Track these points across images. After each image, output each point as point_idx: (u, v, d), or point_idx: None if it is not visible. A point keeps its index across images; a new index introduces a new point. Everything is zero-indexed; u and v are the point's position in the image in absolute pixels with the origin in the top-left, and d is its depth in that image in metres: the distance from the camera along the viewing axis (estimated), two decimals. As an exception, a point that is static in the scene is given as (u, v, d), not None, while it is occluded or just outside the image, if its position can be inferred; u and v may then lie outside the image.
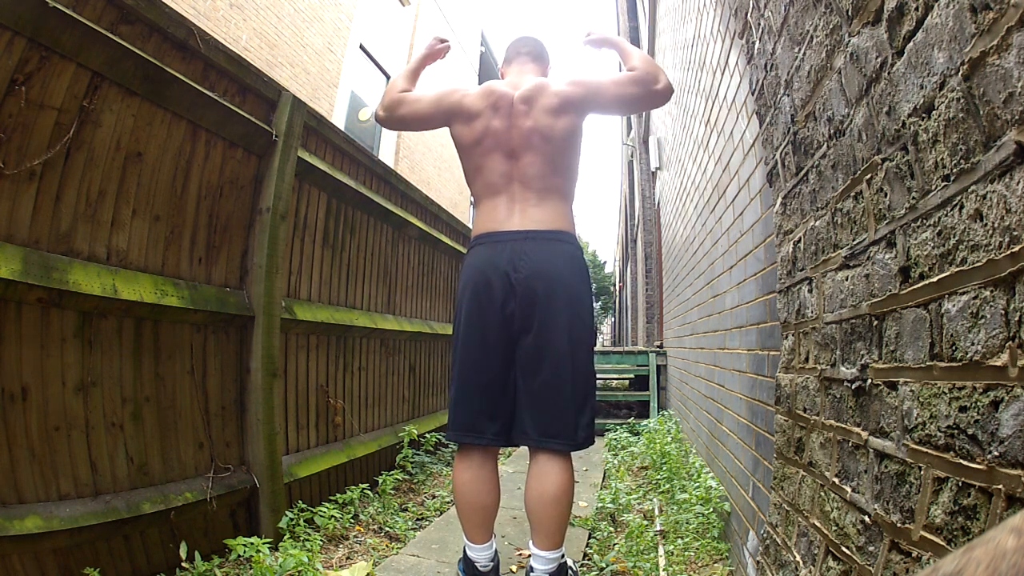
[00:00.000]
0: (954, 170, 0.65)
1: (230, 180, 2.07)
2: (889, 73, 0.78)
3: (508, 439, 1.69)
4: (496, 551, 1.72)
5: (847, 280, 0.97)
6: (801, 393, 1.22)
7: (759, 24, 1.44)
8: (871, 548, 0.84)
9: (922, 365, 0.72)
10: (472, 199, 1.93)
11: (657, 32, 6.05)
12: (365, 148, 3.03)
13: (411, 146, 11.26)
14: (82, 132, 1.54)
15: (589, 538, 2.38)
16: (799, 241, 1.23)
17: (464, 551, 1.73)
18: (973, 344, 0.62)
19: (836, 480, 1.00)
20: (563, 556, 1.65)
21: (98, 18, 1.55)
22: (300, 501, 2.30)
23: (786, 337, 1.34)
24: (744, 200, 1.95)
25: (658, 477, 3.18)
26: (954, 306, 0.65)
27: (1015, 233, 0.55)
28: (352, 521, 2.39)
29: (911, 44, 0.72)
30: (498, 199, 1.74)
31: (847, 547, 0.92)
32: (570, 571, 1.74)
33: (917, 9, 0.70)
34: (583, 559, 2.14)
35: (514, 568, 2.04)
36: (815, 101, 1.08)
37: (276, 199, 2.18)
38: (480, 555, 1.69)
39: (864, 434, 0.89)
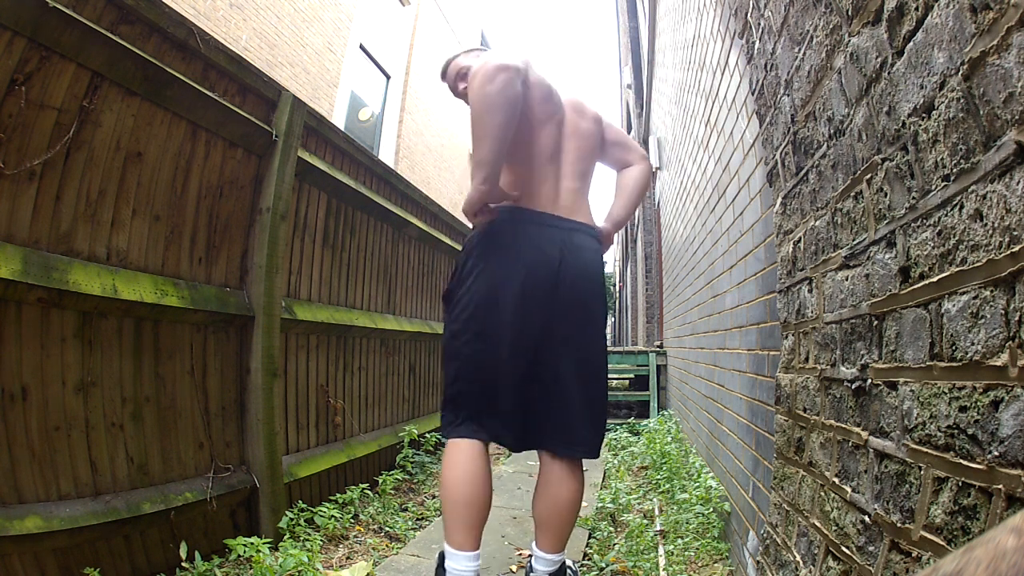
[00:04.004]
0: (954, 170, 0.65)
1: (230, 180, 2.07)
2: (889, 73, 0.78)
3: (523, 442, 1.57)
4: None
5: (847, 280, 0.97)
6: (801, 393, 1.22)
7: (759, 24, 1.44)
8: (871, 548, 0.84)
9: (922, 365, 0.72)
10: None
11: (657, 32, 6.05)
12: (365, 148, 3.03)
13: (411, 146, 11.25)
14: (82, 132, 1.54)
15: (589, 538, 2.38)
16: (799, 241, 1.23)
17: (443, 563, 1.47)
18: (973, 344, 0.62)
19: (836, 480, 1.00)
20: (564, 556, 1.64)
21: (98, 18, 1.55)
22: (300, 501, 2.30)
23: (786, 337, 1.34)
24: (744, 200, 1.95)
25: (658, 477, 3.18)
26: (954, 306, 0.65)
27: (1015, 233, 0.55)
28: (352, 521, 2.39)
29: (911, 44, 0.72)
30: (546, 170, 1.62)
31: (847, 547, 0.92)
32: (569, 570, 1.73)
33: (917, 9, 0.70)
34: (583, 559, 2.13)
35: (514, 568, 2.04)
36: (815, 101, 1.08)
37: (276, 199, 2.18)
38: (468, 565, 1.44)
39: (864, 434, 0.89)
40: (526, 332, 1.51)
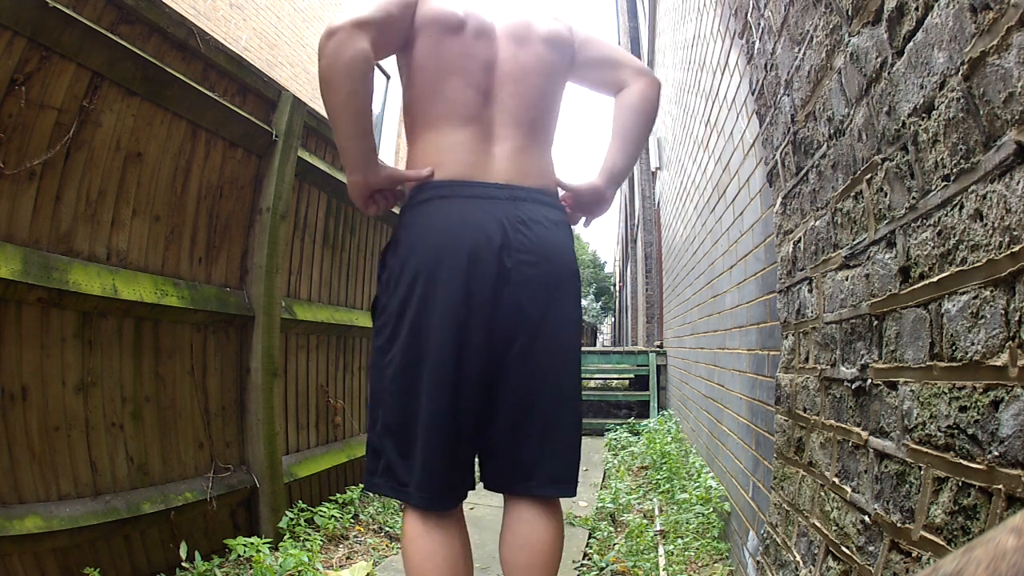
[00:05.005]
0: (954, 170, 0.65)
1: (230, 180, 2.07)
2: (889, 73, 0.78)
3: (472, 485, 1.19)
4: None
5: (847, 280, 0.97)
6: (801, 393, 1.22)
7: (759, 24, 1.44)
8: (871, 548, 0.84)
9: (922, 365, 0.72)
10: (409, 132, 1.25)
11: (657, 32, 6.05)
12: (365, 148, 3.03)
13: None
14: (82, 132, 1.54)
15: (589, 538, 2.38)
16: (799, 241, 1.23)
17: None
18: (973, 344, 0.62)
19: (836, 480, 1.00)
20: None
21: (98, 18, 1.55)
22: (300, 501, 2.30)
23: (786, 337, 1.34)
24: (744, 200, 1.95)
25: (658, 477, 3.18)
26: (954, 306, 0.65)
27: (1015, 233, 0.55)
28: (352, 521, 2.39)
29: (911, 44, 0.72)
30: (471, 129, 1.18)
31: (847, 547, 0.92)
32: None
33: (917, 9, 0.70)
34: (583, 559, 2.14)
35: (514, 568, 2.04)
36: (815, 101, 1.08)
37: (276, 199, 2.17)
38: None
39: (864, 434, 0.89)
40: (464, 352, 1.10)
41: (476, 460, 1.21)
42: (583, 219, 1.37)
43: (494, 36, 1.24)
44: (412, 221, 1.16)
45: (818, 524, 1.07)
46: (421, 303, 1.10)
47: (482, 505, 2.70)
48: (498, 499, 1.21)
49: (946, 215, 0.67)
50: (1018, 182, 0.54)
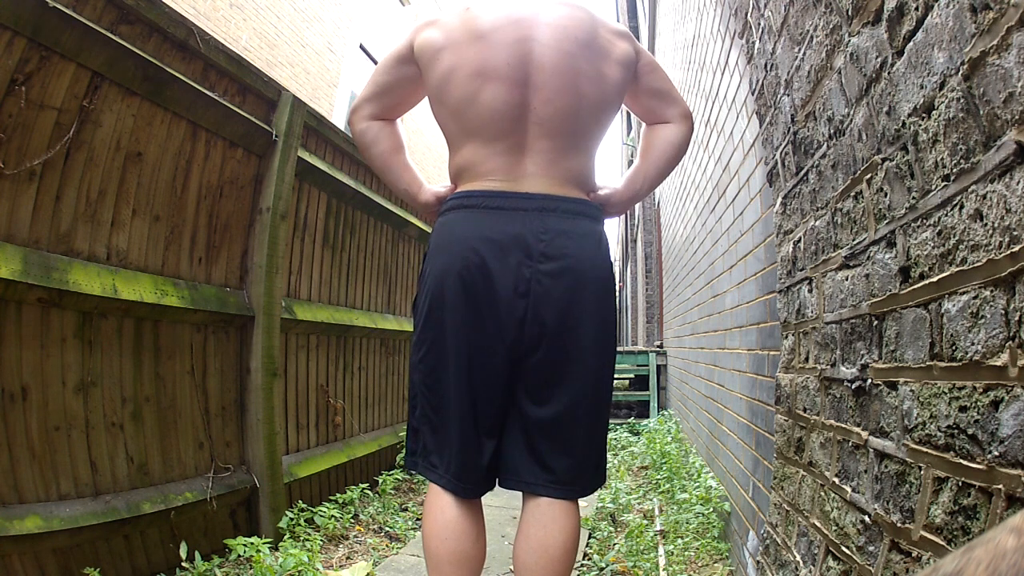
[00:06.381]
0: (954, 170, 0.65)
1: (230, 180, 2.07)
2: (889, 73, 0.78)
3: (493, 481, 1.25)
4: None
5: (847, 280, 0.97)
6: (801, 393, 1.22)
7: (759, 24, 1.44)
8: (871, 548, 0.84)
9: (922, 365, 0.72)
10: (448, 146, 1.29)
11: (657, 32, 6.05)
12: (365, 148, 3.03)
13: (411, 146, 11.24)
14: (82, 132, 1.54)
15: (589, 538, 2.38)
16: (799, 241, 1.23)
17: None
18: (973, 344, 0.61)
19: (836, 480, 1.00)
20: None
21: (98, 18, 1.55)
22: (300, 501, 2.30)
23: (786, 337, 1.34)
24: (744, 200, 1.95)
25: (658, 477, 3.18)
26: (954, 306, 0.65)
27: (1015, 233, 0.55)
28: (352, 521, 2.39)
29: (911, 44, 0.72)
30: (503, 142, 1.17)
31: (847, 547, 0.92)
32: None
33: (917, 9, 0.70)
34: (583, 559, 2.14)
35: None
36: (815, 101, 1.08)
37: (276, 199, 2.17)
38: None
39: (864, 434, 0.89)
40: (490, 358, 1.15)
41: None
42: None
43: (525, 40, 1.16)
44: (437, 229, 1.24)
45: (818, 524, 1.07)
46: (437, 306, 1.18)
47: (484, 506, 2.70)
48: (499, 500, 1.22)
49: (946, 215, 0.67)
50: (1018, 182, 0.54)
